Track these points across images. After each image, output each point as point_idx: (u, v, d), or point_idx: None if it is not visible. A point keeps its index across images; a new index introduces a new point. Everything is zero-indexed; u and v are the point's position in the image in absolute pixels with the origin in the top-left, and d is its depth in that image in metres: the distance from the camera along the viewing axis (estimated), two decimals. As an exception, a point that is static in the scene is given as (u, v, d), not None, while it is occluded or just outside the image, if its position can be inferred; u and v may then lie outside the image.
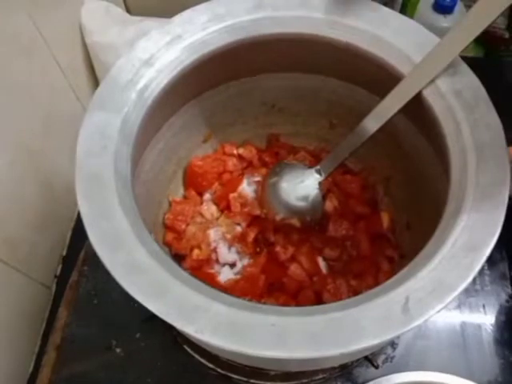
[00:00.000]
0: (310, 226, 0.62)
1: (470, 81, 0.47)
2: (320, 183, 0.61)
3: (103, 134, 0.46)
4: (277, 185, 0.62)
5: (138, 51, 0.51)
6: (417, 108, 0.50)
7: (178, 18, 0.53)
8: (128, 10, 0.99)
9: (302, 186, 0.61)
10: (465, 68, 0.48)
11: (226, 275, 0.62)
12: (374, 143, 0.56)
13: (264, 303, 0.57)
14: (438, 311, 0.36)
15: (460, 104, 0.46)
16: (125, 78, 0.49)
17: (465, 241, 0.39)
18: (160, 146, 0.58)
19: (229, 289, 0.59)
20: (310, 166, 0.62)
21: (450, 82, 0.47)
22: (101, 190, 0.43)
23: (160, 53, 0.51)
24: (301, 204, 0.61)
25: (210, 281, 0.60)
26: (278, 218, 0.61)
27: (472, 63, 0.49)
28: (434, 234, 0.42)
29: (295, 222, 0.61)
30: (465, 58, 0.48)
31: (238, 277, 0.62)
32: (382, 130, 0.53)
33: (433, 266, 0.39)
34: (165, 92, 0.51)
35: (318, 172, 0.61)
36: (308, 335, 0.37)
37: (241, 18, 0.53)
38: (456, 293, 0.37)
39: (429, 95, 0.48)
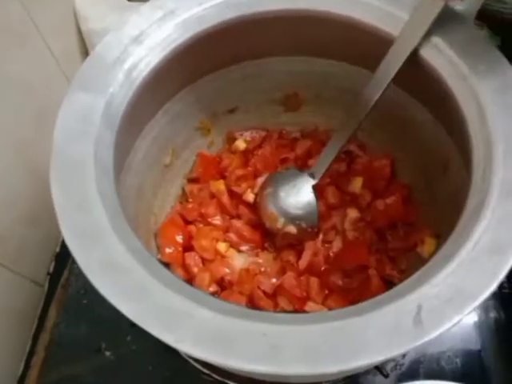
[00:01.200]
0: (306, 231, 0.59)
1: (495, 61, 0.42)
2: (313, 187, 0.58)
3: (84, 118, 0.42)
4: (272, 195, 0.59)
5: (126, 27, 0.47)
6: (436, 95, 0.45)
7: (171, -7, 0.48)
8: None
9: (296, 193, 0.59)
10: (490, 48, 0.43)
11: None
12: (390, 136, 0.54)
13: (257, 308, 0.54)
14: (456, 323, 0.31)
15: (485, 88, 0.41)
16: (111, 55, 0.45)
17: (488, 242, 0.34)
18: (154, 134, 0.54)
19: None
20: (301, 170, 0.60)
21: (472, 63, 0.42)
22: (78, 179, 0.39)
23: (151, 29, 0.47)
24: (297, 211, 0.58)
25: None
26: (279, 225, 0.58)
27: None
28: (451, 234, 0.37)
29: (292, 229, 0.58)
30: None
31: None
32: (398, 121, 0.50)
33: (450, 270, 0.34)
34: (156, 73, 0.47)
35: (312, 176, 0.58)
36: (304, 348, 0.32)
37: (240, -7, 0.48)
38: (477, 302, 0.32)
39: (448, 77, 0.43)
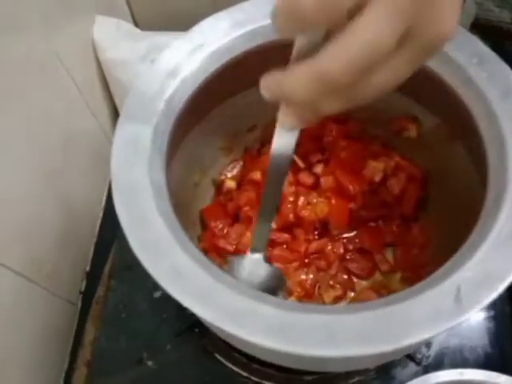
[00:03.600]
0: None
1: (500, 69, 0.47)
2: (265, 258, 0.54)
3: (136, 145, 0.46)
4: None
5: (162, 62, 0.51)
6: (445, 102, 0.50)
7: (199, 26, 0.53)
8: (136, 25, 1.00)
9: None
10: (494, 57, 0.48)
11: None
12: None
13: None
14: (492, 300, 0.36)
15: (492, 92, 0.46)
16: (151, 89, 0.49)
17: (510, 229, 0.39)
18: (185, 155, 0.58)
19: None
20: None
21: (480, 71, 0.47)
22: (138, 199, 0.43)
23: (184, 62, 0.51)
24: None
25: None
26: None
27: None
28: (476, 224, 0.42)
29: None
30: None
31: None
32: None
33: (481, 255, 0.39)
34: (191, 101, 0.51)
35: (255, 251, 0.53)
36: (359, 332, 0.37)
37: (261, 22, 0.52)
38: (507, 281, 0.37)
39: (456, 84, 0.48)
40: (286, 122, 0.35)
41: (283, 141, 0.41)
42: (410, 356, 0.57)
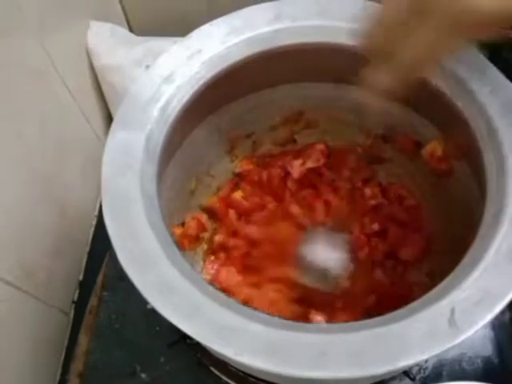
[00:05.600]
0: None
1: (499, 82, 0.46)
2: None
3: (128, 153, 0.45)
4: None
5: (157, 68, 0.50)
6: (445, 116, 0.49)
7: (196, 33, 0.52)
8: (131, 30, 0.99)
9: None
10: (493, 69, 0.47)
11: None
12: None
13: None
14: (487, 322, 0.35)
15: (493, 105, 0.45)
16: (146, 95, 0.48)
17: (508, 247, 0.38)
18: (180, 163, 0.57)
19: None
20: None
21: (481, 84, 0.46)
22: (128, 209, 0.42)
23: (180, 69, 0.50)
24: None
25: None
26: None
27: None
28: (473, 242, 0.40)
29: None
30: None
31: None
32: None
33: (477, 274, 0.37)
34: (186, 108, 0.50)
35: None
36: (352, 353, 0.35)
37: (260, 29, 0.52)
38: (505, 301, 0.36)
39: (456, 98, 0.47)
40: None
41: None
42: (405, 372, 0.56)
